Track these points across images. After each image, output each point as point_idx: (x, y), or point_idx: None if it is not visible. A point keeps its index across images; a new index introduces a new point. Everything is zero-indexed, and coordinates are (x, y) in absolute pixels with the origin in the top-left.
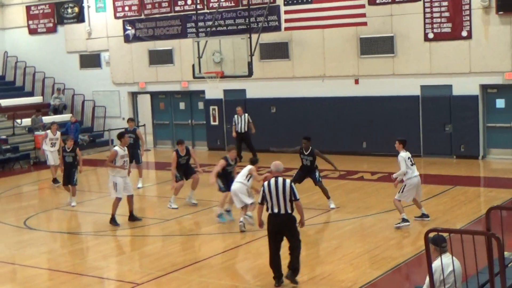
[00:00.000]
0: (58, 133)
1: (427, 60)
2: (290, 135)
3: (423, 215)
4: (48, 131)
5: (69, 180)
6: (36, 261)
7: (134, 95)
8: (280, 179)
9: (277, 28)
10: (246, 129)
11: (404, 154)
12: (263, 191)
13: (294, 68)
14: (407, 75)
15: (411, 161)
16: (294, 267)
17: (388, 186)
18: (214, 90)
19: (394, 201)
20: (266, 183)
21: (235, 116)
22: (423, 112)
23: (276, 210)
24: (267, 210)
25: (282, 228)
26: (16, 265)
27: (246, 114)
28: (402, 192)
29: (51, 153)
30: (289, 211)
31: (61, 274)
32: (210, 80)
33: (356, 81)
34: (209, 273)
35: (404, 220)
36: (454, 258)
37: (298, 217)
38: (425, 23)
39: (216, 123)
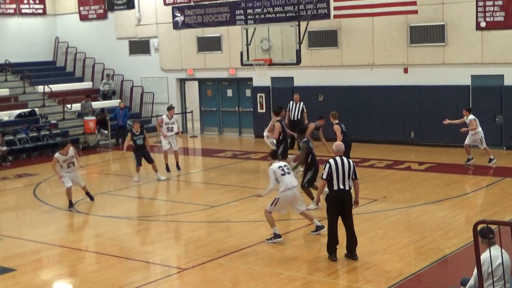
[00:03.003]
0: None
1: (479, 49)
2: None
3: (318, 228)
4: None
5: (148, 159)
6: (84, 244)
7: (182, 82)
8: (344, 158)
9: (326, 16)
10: (299, 117)
11: (274, 166)
12: (330, 168)
13: (342, 56)
14: (457, 65)
15: (283, 171)
16: (355, 244)
17: (436, 176)
18: (261, 77)
19: (265, 213)
20: (332, 160)
21: (291, 102)
22: (473, 102)
23: (342, 187)
24: (332, 187)
25: (344, 204)
26: (64, 248)
27: (302, 103)
28: (274, 205)
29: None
30: (350, 188)
31: (108, 257)
32: (258, 68)
33: (405, 70)
34: (253, 260)
35: (276, 235)
36: (503, 250)
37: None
38: (477, 12)
39: (263, 110)
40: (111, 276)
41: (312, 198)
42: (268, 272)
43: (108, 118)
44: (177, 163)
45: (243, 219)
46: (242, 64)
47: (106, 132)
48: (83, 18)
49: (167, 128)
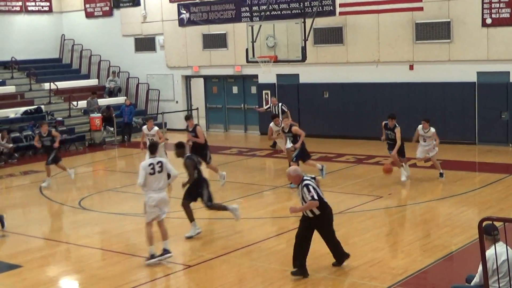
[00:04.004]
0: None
1: (484, 46)
2: (342, 121)
3: (165, 251)
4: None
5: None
6: (90, 241)
7: (187, 79)
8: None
9: (332, 13)
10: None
11: (144, 162)
12: (314, 188)
13: (348, 53)
14: (463, 61)
15: (153, 169)
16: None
17: None
18: (267, 74)
19: (145, 226)
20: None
21: (270, 104)
22: (479, 99)
23: (326, 200)
24: (320, 200)
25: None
26: (70, 244)
27: (280, 104)
28: (145, 212)
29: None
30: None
31: (114, 254)
32: (264, 65)
33: (411, 67)
34: (259, 257)
35: (152, 256)
36: (508, 247)
37: None
38: (483, 8)
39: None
40: (117, 273)
41: (191, 220)
42: (273, 269)
43: (113, 115)
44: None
45: (248, 216)
46: (247, 61)
47: (112, 129)
48: (89, 15)
49: (148, 139)
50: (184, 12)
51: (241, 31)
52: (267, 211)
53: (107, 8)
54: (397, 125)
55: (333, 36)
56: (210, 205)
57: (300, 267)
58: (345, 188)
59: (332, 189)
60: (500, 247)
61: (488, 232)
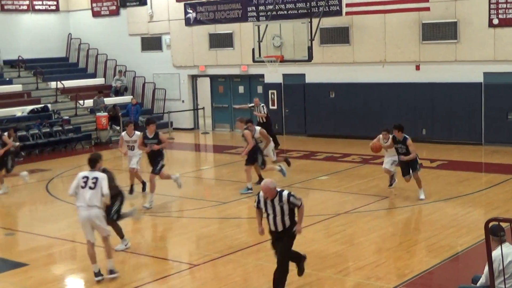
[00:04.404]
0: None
1: (491, 46)
2: (348, 121)
3: (111, 272)
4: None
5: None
6: (96, 239)
7: (194, 78)
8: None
9: (338, 13)
10: (264, 120)
11: (80, 173)
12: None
13: (354, 53)
14: (470, 62)
15: (85, 183)
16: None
17: (447, 174)
18: (273, 74)
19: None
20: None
21: (253, 104)
22: (486, 99)
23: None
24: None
25: None
26: (76, 243)
27: (261, 104)
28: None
29: None
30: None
31: (119, 253)
32: (270, 64)
33: (417, 67)
34: (265, 256)
35: (96, 274)
36: None
37: None
38: (490, 9)
39: (275, 107)
40: (122, 272)
41: (122, 236)
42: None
43: (120, 114)
44: (143, 183)
45: (254, 215)
46: (254, 61)
47: (118, 128)
48: (96, 14)
49: (128, 147)
50: (191, 11)
51: (247, 30)
52: None
53: (114, 7)
54: (407, 136)
55: (340, 36)
56: (114, 219)
57: None
58: (350, 188)
59: (338, 189)
60: (507, 248)
61: (494, 233)
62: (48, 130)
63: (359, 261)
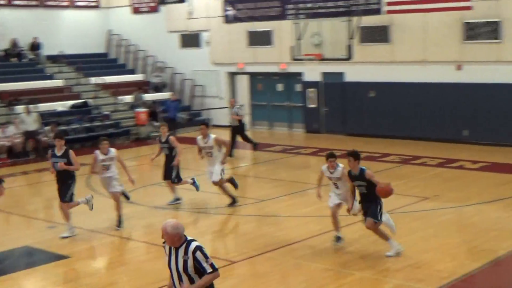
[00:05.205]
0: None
1: None
2: (388, 120)
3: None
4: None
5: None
6: (135, 234)
7: (232, 75)
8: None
9: (378, 11)
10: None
11: None
12: None
13: (394, 52)
14: None
15: None
16: None
17: (489, 176)
18: (312, 72)
19: None
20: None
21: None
22: None
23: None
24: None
25: None
26: (115, 237)
27: (235, 106)
28: None
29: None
30: None
31: (157, 248)
32: (309, 63)
33: (459, 67)
34: (303, 255)
35: None
36: None
37: None
38: None
39: (314, 105)
40: (160, 267)
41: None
42: (317, 267)
43: (159, 110)
44: (119, 216)
45: (292, 213)
46: (292, 59)
47: (157, 124)
48: (135, 11)
49: (103, 166)
50: (230, 8)
51: (286, 28)
52: (311, 210)
53: (153, 4)
54: (364, 167)
55: (379, 34)
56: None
57: None
58: None
59: None
60: None
61: None
62: (88, 125)
63: (399, 263)
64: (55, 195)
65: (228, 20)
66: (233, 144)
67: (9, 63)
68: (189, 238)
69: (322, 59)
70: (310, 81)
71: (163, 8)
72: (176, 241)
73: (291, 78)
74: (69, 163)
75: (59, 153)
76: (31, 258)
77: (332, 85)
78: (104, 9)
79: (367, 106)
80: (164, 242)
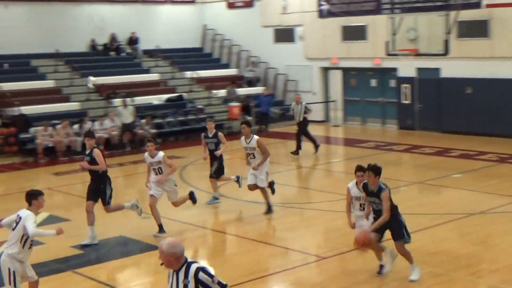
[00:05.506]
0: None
1: None
2: (485, 117)
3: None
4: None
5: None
6: (226, 227)
7: (325, 71)
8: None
9: (477, 5)
10: (301, 118)
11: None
12: None
13: (494, 48)
14: None
15: (16, 223)
16: None
17: None
18: (407, 68)
19: None
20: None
21: (293, 103)
22: None
23: None
24: None
25: None
26: (207, 230)
27: (303, 103)
28: None
29: None
30: None
31: (249, 241)
32: (404, 58)
33: None
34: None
35: None
36: None
37: None
38: None
39: (408, 101)
40: (251, 260)
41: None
42: (408, 266)
43: (251, 104)
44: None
45: None
46: (387, 54)
47: (250, 118)
48: (230, 6)
49: (153, 170)
50: (324, 3)
51: (381, 23)
52: (404, 207)
53: None
54: (383, 185)
55: (478, 29)
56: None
57: None
58: (486, 187)
59: (472, 188)
60: None
61: None
62: (182, 118)
63: (495, 264)
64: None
65: (322, 15)
66: (299, 142)
67: (108, 57)
68: (189, 260)
69: (418, 54)
70: (404, 77)
71: (257, 3)
72: (172, 262)
73: (385, 73)
74: (93, 162)
75: (87, 152)
76: (126, 247)
77: (427, 81)
78: (199, 4)
79: (463, 102)
80: (162, 263)
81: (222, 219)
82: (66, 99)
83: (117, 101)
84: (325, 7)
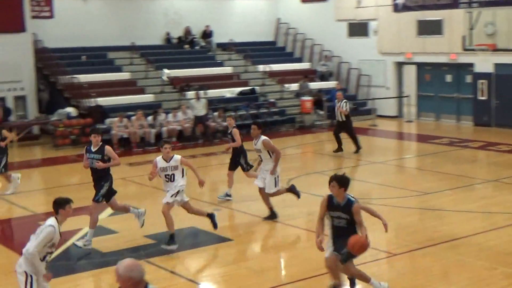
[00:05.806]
0: None
1: None
2: None
3: None
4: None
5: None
6: (297, 221)
7: (399, 65)
8: None
9: None
10: (344, 118)
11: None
12: None
13: None
14: None
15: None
16: None
17: None
18: (484, 63)
19: None
20: None
21: (335, 101)
22: None
23: None
24: None
25: None
26: (277, 223)
27: (343, 101)
28: None
29: None
30: None
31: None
32: (481, 53)
33: None
34: (466, 252)
35: None
36: None
37: None
38: None
39: (484, 98)
40: (319, 255)
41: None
42: (481, 265)
43: (324, 99)
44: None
45: (457, 208)
46: (464, 49)
47: (322, 112)
48: (304, 0)
49: (165, 177)
50: None
51: (458, 17)
52: (478, 205)
53: None
54: (353, 198)
55: None
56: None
57: None
58: None
59: None
60: None
61: None
62: (254, 111)
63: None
64: (221, 179)
65: (397, 9)
66: (339, 139)
67: (182, 50)
68: (150, 286)
69: (495, 49)
70: (481, 72)
71: None
72: (130, 287)
73: (461, 69)
74: (104, 159)
75: (94, 148)
76: (196, 239)
77: (505, 77)
78: None
79: None
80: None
81: (292, 212)
82: (141, 91)
83: (190, 94)
84: (401, 1)
